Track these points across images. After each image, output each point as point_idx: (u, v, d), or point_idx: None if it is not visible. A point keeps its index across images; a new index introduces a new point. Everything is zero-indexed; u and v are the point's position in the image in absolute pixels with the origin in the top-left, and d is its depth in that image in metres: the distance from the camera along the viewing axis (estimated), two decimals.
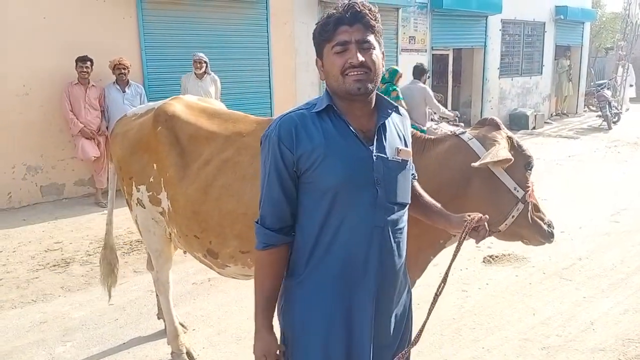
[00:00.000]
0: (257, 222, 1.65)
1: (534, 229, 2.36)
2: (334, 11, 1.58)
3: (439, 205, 1.87)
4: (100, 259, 3.58)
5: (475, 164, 2.12)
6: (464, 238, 1.70)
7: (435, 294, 1.73)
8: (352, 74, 1.54)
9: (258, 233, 1.63)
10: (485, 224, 1.70)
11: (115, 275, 3.51)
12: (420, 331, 1.71)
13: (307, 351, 1.64)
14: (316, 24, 1.63)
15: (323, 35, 1.59)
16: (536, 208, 2.39)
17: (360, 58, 1.53)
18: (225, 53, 8.64)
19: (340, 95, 1.60)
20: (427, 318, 1.72)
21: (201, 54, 7.57)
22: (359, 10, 1.55)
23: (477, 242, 1.75)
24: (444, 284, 1.73)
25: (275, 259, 1.64)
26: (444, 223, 1.81)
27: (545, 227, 2.39)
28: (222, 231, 2.53)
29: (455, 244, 1.75)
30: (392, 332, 1.72)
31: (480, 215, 1.70)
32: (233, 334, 3.64)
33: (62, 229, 6.03)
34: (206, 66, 7.61)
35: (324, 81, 1.65)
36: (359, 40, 1.55)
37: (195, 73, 7.55)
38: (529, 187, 2.30)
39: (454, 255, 1.73)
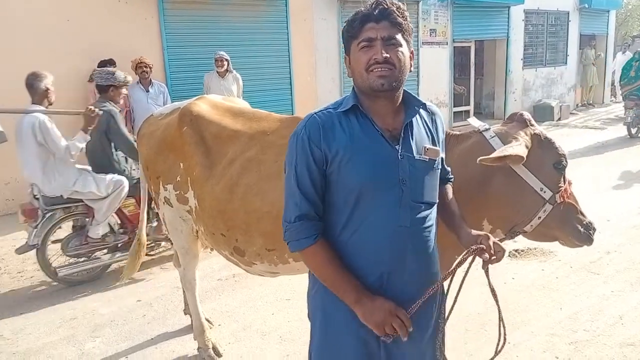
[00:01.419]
0: (291, 222, 1.60)
1: (566, 231, 2.25)
2: (362, 8, 1.58)
3: (458, 215, 1.83)
4: (131, 252, 3.71)
5: (479, 160, 2.04)
6: (464, 261, 1.69)
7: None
8: (376, 70, 1.54)
9: (300, 229, 1.59)
10: (493, 251, 1.63)
11: (135, 270, 3.71)
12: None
13: (337, 351, 1.65)
14: (346, 21, 1.64)
15: (350, 32, 1.60)
16: (574, 209, 2.26)
17: (385, 55, 1.53)
18: (245, 51, 8.70)
19: (365, 91, 1.60)
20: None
21: (222, 52, 7.62)
22: (386, 7, 1.56)
23: (483, 266, 1.68)
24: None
25: (328, 245, 1.61)
26: (456, 235, 1.79)
27: (581, 229, 2.25)
28: (247, 229, 2.55)
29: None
30: (422, 324, 1.71)
31: (486, 247, 1.63)
32: (258, 330, 3.68)
33: None
34: (228, 64, 7.66)
35: (351, 78, 1.65)
36: (385, 37, 1.55)
37: (217, 71, 7.61)
38: (560, 187, 2.19)
39: (452, 273, 1.71)
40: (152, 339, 3.62)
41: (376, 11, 1.56)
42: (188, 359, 3.37)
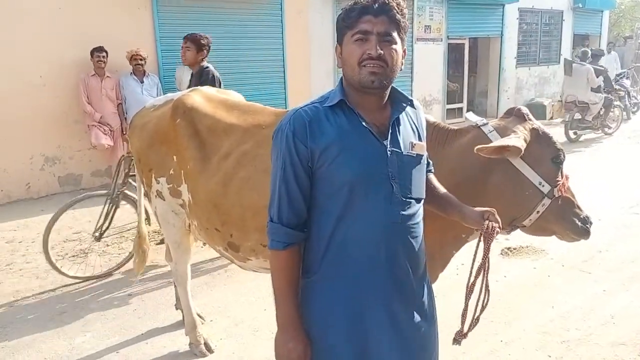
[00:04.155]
0: (272, 221, 1.61)
1: (564, 225, 2.26)
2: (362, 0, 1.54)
3: (454, 197, 1.84)
4: (134, 247, 3.71)
5: (476, 149, 2.03)
6: (486, 245, 1.71)
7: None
8: (369, 65, 1.52)
9: (276, 232, 1.59)
10: (497, 228, 1.69)
11: (144, 263, 3.71)
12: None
13: (331, 348, 1.60)
14: (342, 9, 1.59)
15: (346, 22, 1.56)
16: (571, 203, 2.28)
17: (379, 51, 1.51)
18: (239, 43, 8.65)
19: (354, 85, 1.57)
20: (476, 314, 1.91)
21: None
22: (386, 2, 1.52)
23: (486, 240, 1.72)
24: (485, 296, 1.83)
25: (297, 257, 1.62)
26: (459, 216, 1.79)
27: (579, 223, 2.27)
28: (243, 224, 2.52)
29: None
30: (416, 325, 1.70)
31: (497, 225, 1.68)
32: (250, 325, 3.65)
33: (80, 220, 6.07)
34: None
35: (341, 69, 1.62)
36: (381, 32, 1.52)
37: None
38: (558, 181, 2.19)
39: (483, 266, 1.74)
40: (143, 334, 3.58)
41: (376, 4, 1.52)
42: (179, 355, 3.33)
